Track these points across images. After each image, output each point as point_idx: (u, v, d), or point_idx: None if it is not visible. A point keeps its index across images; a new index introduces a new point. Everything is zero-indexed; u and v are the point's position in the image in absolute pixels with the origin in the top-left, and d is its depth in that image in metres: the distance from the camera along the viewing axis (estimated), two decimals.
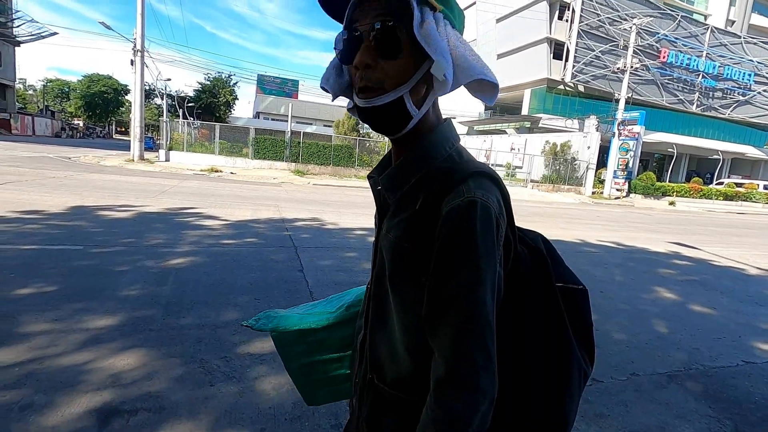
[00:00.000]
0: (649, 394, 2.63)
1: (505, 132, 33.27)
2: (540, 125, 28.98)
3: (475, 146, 30.29)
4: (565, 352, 0.69)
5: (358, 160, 21.21)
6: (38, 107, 56.88)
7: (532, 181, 24.05)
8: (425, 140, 0.66)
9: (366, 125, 0.70)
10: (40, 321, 2.83)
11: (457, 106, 33.76)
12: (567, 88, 29.25)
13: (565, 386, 0.69)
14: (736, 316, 4.21)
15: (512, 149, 28.15)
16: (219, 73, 37.60)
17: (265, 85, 43.75)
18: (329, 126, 38.48)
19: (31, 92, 65.34)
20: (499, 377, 0.59)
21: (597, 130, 23.84)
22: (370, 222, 8.04)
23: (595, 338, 0.78)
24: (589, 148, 23.76)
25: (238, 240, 5.58)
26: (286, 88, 44.08)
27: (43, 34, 34.81)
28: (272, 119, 43.19)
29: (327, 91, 0.70)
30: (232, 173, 16.53)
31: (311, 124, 41.10)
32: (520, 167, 25.63)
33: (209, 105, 36.65)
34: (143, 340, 2.70)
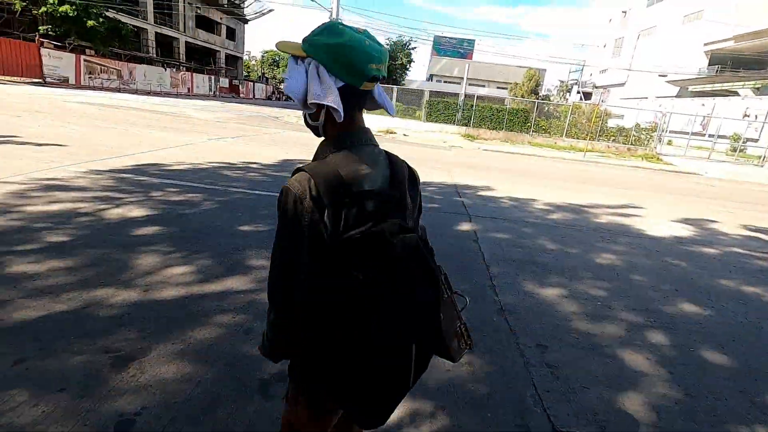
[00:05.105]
0: None
1: (736, 93, 25.96)
2: None
3: (687, 111, 23.30)
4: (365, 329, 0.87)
5: (534, 125, 19.52)
6: (257, 75, 69.07)
7: None
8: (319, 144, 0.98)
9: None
10: (259, 257, 3.35)
11: (671, 59, 27.53)
12: None
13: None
14: None
15: (746, 116, 21.83)
16: (399, 36, 38.95)
17: (441, 46, 43.25)
18: (502, 88, 36.24)
19: (252, 62, 79.45)
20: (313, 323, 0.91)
21: None
22: (547, 194, 7.29)
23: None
24: None
25: None
26: (461, 49, 42.72)
27: (263, 12, 41.60)
28: (444, 81, 42.84)
29: None
30: (405, 135, 17.15)
31: (483, 86, 39.33)
32: (756, 140, 19.79)
33: (388, 68, 38.48)
34: None
